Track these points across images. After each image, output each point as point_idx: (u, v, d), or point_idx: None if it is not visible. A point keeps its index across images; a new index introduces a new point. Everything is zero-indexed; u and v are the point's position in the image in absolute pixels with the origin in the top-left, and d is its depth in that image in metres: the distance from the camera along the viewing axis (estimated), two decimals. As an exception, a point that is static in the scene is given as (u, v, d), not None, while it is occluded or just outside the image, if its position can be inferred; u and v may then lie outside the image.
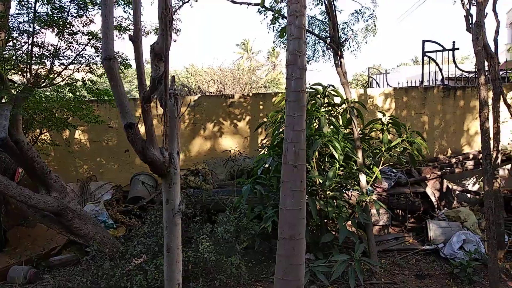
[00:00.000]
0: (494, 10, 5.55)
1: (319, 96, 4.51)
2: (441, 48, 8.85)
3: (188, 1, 6.09)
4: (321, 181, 4.49)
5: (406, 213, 6.07)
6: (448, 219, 5.87)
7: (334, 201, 4.64)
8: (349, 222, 4.92)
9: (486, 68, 5.07)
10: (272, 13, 5.50)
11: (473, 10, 4.77)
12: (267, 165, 4.41)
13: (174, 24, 5.77)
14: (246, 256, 4.87)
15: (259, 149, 5.08)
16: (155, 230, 4.20)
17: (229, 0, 5.71)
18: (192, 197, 5.11)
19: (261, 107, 6.45)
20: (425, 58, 8.67)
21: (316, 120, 4.49)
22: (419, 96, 6.94)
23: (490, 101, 5.10)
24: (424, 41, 9.56)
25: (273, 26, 6.29)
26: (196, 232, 4.19)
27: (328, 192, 4.61)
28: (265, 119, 5.04)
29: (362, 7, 6.14)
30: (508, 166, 6.84)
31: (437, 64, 9.15)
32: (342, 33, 6.12)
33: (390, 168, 6.10)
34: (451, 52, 8.00)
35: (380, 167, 4.98)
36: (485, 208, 4.26)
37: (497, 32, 5.58)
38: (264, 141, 5.68)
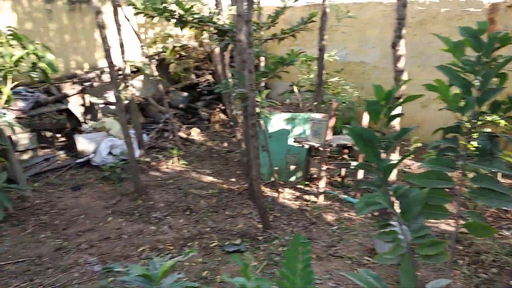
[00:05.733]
0: None
1: None
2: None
3: None
4: None
5: (54, 133, 5.92)
6: (95, 131, 6.22)
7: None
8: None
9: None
10: None
11: None
12: None
13: None
14: None
15: None
16: None
17: None
18: None
19: None
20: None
21: None
22: (44, 8, 6.45)
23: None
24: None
25: None
26: None
27: None
28: None
29: None
30: (141, 77, 7.80)
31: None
32: None
33: (25, 88, 5.61)
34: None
35: (11, 87, 4.48)
36: (117, 111, 4.76)
37: None
38: None
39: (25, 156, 5.34)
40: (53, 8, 6.50)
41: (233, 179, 5.37)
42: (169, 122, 6.91)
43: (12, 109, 5.13)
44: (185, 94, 7.86)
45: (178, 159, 5.96)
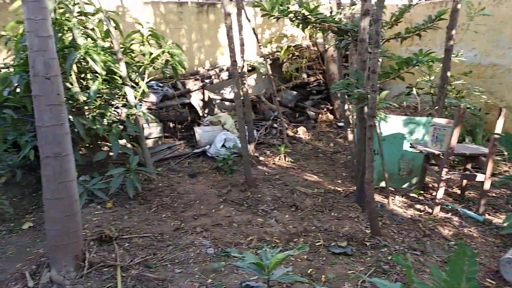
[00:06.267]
0: None
1: (68, 3, 4.04)
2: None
3: None
4: (85, 99, 4.24)
5: (176, 124, 6.53)
6: (211, 124, 6.68)
7: (103, 118, 4.53)
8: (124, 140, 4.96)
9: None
10: None
11: None
12: (15, 84, 3.79)
13: None
14: (8, 192, 4.31)
15: (2, 69, 4.27)
16: None
17: None
18: None
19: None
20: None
21: (69, 31, 4.07)
22: (176, 11, 7.14)
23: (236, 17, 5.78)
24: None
25: None
26: None
27: (94, 110, 4.43)
28: (3, 32, 4.20)
29: None
30: (254, 76, 8.13)
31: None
32: None
33: (157, 83, 6.28)
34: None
35: (146, 81, 5.07)
36: (235, 107, 5.04)
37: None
38: (6, 59, 4.78)
39: (153, 144, 6.00)
40: (184, 10, 7.15)
41: (339, 181, 5.28)
42: (278, 119, 7.09)
43: (145, 101, 5.80)
44: (294, 93, 7.96)
45: (284, 156, 6.07)
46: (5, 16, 5.26)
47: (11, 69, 4.01)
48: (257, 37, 6.71)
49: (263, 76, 7.95)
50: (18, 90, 3.91)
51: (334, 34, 4.09)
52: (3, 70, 4.24)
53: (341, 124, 7.56)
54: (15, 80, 3.71)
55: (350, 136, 4.88)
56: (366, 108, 3.77)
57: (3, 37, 4.18)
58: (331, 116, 7.91)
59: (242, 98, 6.06)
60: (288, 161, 6.00)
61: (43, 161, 2.88)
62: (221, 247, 3.58)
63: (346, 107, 5.03)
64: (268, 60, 7.39)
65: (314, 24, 3.80)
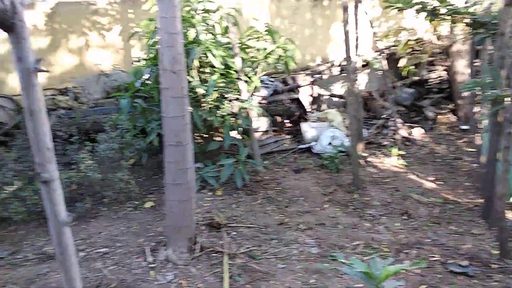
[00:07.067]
0: None
1: (193, 1, 4.31)
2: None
3: None
4: (203, 91, 4.50)
5: (284, 119, 6.58)
6: (319, 120, 6.57)
7: (218, 110, 4.76)
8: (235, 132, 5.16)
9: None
10: None
11: None
12: (145, 77, 4.21)
13: None
14: (135, 173, 4.81)
15: (135, 62, 4.78)
16: (25, 155, 3.82)
17: None
18: (64, 119, 4.68)
19: (131, 15, 5.91)
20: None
21: (193, 28, 4.34)
22: (291, 5, 7.14)
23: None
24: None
25: None
26: (75, 153, 3.94)
27: (211, 102, 4.67)
28: (137, 29, 4.67)
29: None
30: (367, 71, 7.74)
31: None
32: None
33: (268, 77, 6.38)
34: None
35: (259, 76, 5.17)
36: (347, 104, 4.85)
37: None
38: (139, 54, 5.33)
39: (260, 137, 6.13)
40: (299, 5, 7.12)
41: (460, 191, 4.74)
42: (391, 119, 6.64)
43: (256, 95, 5.94)
44: (411, 90, 7.37)
45: (397, 158, 5.68)
46: (139, 14, 5.86)
47: (143, 63, 4.44)
48: (373, 31, 6.36)
49: (377, 72, 7.52)
50: (148, 82, 4.32)
51: (467, 27, 3.63)
52: (136, 63, 4.72)
53: (465, 127, 6.77)
54: (146, 73, 4.10)
55: (479, 142, 4.32)
56: (502, 112, 3.28)
57: (137, 33, 4.65)
58: (452, 118, 7.14)
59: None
60: (400, 164, 5.59)
61: (166, 148, 3.12)
62: (325, 248, 3.49)
63: (475, 109, 4.46)
64: (383, 55, 6.95)
65: (444, 16, 3.42)
